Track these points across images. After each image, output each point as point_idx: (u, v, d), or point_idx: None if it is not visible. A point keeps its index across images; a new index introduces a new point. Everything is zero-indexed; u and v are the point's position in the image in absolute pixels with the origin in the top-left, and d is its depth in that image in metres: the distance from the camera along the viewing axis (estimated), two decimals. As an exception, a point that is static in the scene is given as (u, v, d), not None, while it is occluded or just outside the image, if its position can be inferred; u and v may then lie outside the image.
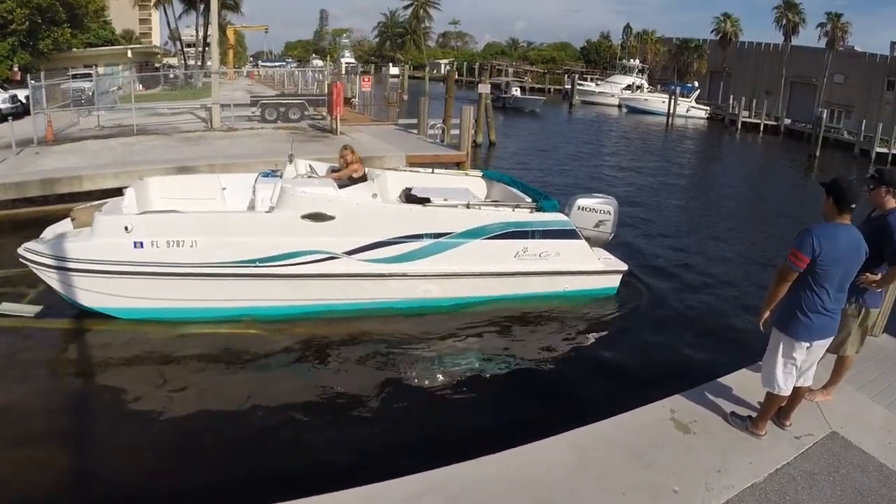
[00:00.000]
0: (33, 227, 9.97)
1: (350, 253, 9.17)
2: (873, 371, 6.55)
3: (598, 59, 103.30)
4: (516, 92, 60.21)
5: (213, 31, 27.71)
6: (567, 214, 10.29)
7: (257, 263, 8.85)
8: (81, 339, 8.75)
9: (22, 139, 18.16)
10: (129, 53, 51.18)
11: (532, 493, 4.51)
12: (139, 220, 8.64)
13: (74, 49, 43.54)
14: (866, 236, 4.84)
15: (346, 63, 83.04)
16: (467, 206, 9.77)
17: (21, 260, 8.65)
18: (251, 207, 10.21)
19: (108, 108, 25.15)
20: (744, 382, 6.14)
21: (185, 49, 65.91)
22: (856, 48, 63.11)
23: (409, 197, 10.38)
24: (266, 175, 10.54)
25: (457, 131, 22.83)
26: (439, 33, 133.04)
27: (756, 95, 61.46)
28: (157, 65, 57.03)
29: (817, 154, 38.86)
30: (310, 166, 10.89)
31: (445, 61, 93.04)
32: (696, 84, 71.15)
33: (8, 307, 8.99)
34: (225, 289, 8.92)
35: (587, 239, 10.35)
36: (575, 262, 10.24)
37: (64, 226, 9.29)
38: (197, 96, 30.28)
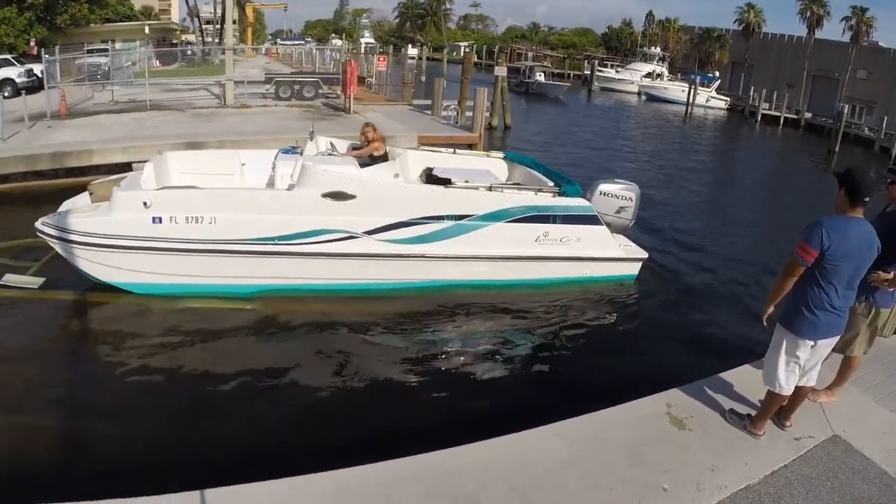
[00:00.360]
0: (43, 201, 9.90)
1: (370, 233, 9.10)
2: (881, 373, 6.34)
3: (619, 45, 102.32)
4: (540, 77, 59.08)
5: (228, 6, 27.47)
6: (588, 199, 10.18)
7: (276, 241, 8.79)
8: (85, 311, 8.71)
9: (35, 113, 18.19)
10: (147, 30, 50.92)
11: (513, 483, 4.38)
12: (158, 196, 8.59)
13: (92, 24, 43.41)
14: (879, 232, 4.60)
15: (365, 43, 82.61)
16: (489, 188, 9.70)
17: (38, 233, 8.60)
18: (270, 184, 10.16)
19: (123, 83, 25.14)
20: (745, 379, 5.95)
21: (204, 26, 65.68)
22: (880, 44, 61.93)
23: (429, 177, 10.27)
24: (286, 152, 10.48)
25: (471, 113, 22.58)
26: (460, 16, 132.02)
27: (777, 88, 60.52)
28: (174, 41, 56.81)
29: (837, 149, 38.21)
30: (330, 143, 10.81)
31: (465, 44, 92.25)
32: (717, 74, 70.23)
33: (12, 279, 8.90)
34: (242, 266, 8.87)
35: (607, 225, 10.28)
36: (595, 249, 10.17)
37: (81, 200, 9.22)
38: (214, 73, 30.16)
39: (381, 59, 36.62)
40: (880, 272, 5.12)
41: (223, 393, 6.93)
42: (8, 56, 27.27)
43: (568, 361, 8.34)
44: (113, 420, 6.32)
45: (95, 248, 8.44)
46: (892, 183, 5.31)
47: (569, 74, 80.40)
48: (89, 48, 29.77)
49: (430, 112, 25.14)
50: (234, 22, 62.20)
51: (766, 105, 56.87)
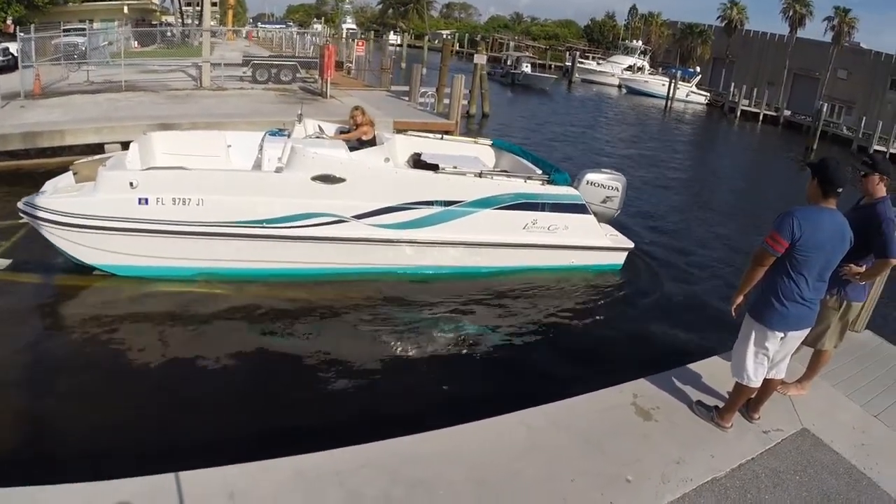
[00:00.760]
0: (14, 181, 9.47)
1: (359, 217, 8.99)
2: (852, 367, 6.28)
3: (602, 38, 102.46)
4: (527, 68, 58.14)
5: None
6: (575, 188, 10.17)
7: (264, 224, 8.65)
8: (53, 294, 8.46)
9: (8, 93, 17.77)
10: (126, 10, 50.06)
11: (472, 472, 4.24)
12: (144, 176, 8.35)
13: (70, 3, 42.62)
14: (853, 225, 4.49)
15: (346, 29, 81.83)
16: (479, 174, 9.64)
17: (20, 214, 8.32)
18: (257, 166, 10.04)
19: (99, 63, 24.64)
20: (714, 370, 5.85)
21: (184, 7, 64.68)
22: (861, 45, 62.47)
23: (417, 162, 10.19)
24: (273, 134, 10.41)
25: (449, 101, 22.41)
26: (443, 4, 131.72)
27: (758, 85, 60.90)
28: (154, 22, 55.91)
29: (815, 147, 38.52)
30: (318, 126, 10.65)
31: (447, 32, 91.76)
32: (698, 69, 70.46)
33: None
34: (230, 249, 8.68)
35: (594, 214, 10.30)
36: (583, 237, 10.20)
37: (65, 180, 8.94)
38: (192, 55, 29.69)
39: (360, 44, 36.20)
40: (852, 265, 5.06)
41: (187, 377, 6.74)
42: (-17, 35, 26.61)
43: (544, 349, 8.20)
44: (75, 404, 6.11)
45: (80, 229, 8.18)
46: (865, 176, 5.22)
47: (550, 65, 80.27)
48: (66, 27, 29.22)
49: (407, 98, 24.94)
50: (214, 4, 61.57)
51: (745, 101, 57.26)
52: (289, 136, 10.05)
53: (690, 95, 63.19)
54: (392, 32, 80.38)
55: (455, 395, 6.79)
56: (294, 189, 8.68)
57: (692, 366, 5.99)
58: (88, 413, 5.98)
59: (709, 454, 4.68)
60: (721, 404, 5.18)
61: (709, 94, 65.21)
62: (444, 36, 53.27)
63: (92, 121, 15.69)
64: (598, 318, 9.27)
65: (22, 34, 19.68)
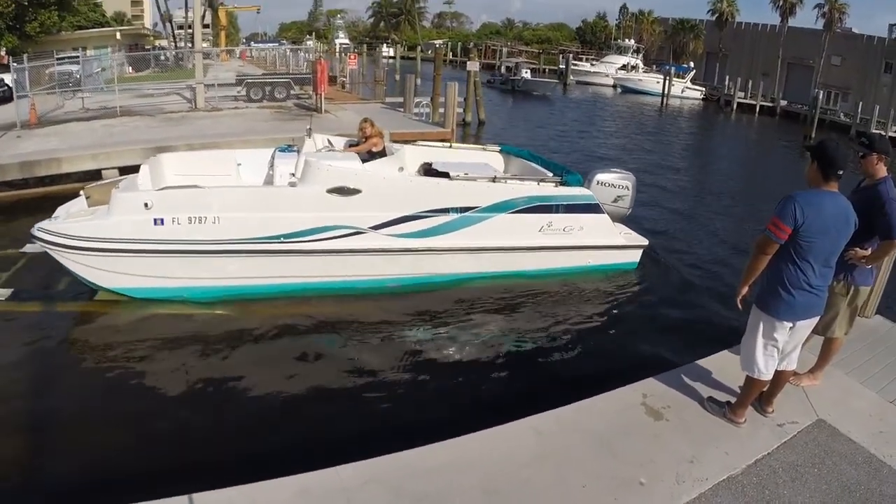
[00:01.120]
0: (13, 212, 9.38)
1: (376, 228, 8.96)
2: (864, 354, 6.17)
3: (594, 39, 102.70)
4: (526, 74, 56.89)
5: (196, 8, 27.08)
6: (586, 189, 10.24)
7: (282, 239, 8.57)
8: (55, 323, 8.31)
9: (4, 124, 17.87)
10: (118, 35, 50.41)
11: (481, 483, 4.13)
12: (159, 197, 8.31)
13: (63, 32, 42.83)
14: (856, 207, 4.39)
15: (339, 44, 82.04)
16: (493, 179, 9.66)
17: (34, 240, 8.24)
18: (268, 183, 10.03)
19: (94, 90, 24.66)
20: (724, 365, 5.73)
21: (177, 31, 64.95)
22: (853, 30, 62.41)
23: (428, 171, 10.09)
24: (283, 150, 10.41)
25: (444, 110, 22.38)
26: (434, 14, 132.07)
27: (752, 76, 60.81)
28: (147, 47, 56.14)
29: (813, 135, 38.35)
30: (328, 140, 10.66)
31: (439, 42, 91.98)
32: (692, 65, 70.48)
33: None
34: (249, 266, 8.64)
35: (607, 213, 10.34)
36: (598, 237, 10.20)
37: (77, 204, 8.90)
38: (186, 77, 29.77)
39: (352, 57, 36.28)
40: (857, 249, 4.95)
41: (194, 399, 6.64)
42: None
43: (557, 353, 8.10)
44: (83, 429, 6.03)
45: (95, 252, 8.12)
46: (864, 157, 5.11)
47: (544, 69, 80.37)
48: (59, 56, 29.32)
49: (402, 109, 24.94)
50: (207, 26, 61.86)
51: (741, 94, 57.17)
52: (298, 151, 10.06)
53: (686, 91, 63.26)
54: (385, 45, 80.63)
55: (466, 404, 6.69)
56: (310, 202, 8.62)
57: (701, 362, 5.88)
58: (97, 437, 5.91)
59: (723, 451, 4.57)
60: (733, 399, 5.07)
61: (704, 89, 65.26)
62: (437, 45, 53.10)
63: (88, 147, 15.69)
64: (610, 318, 9.18)
65: (15, 64, 19.75)
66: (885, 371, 5.90)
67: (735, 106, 56.07)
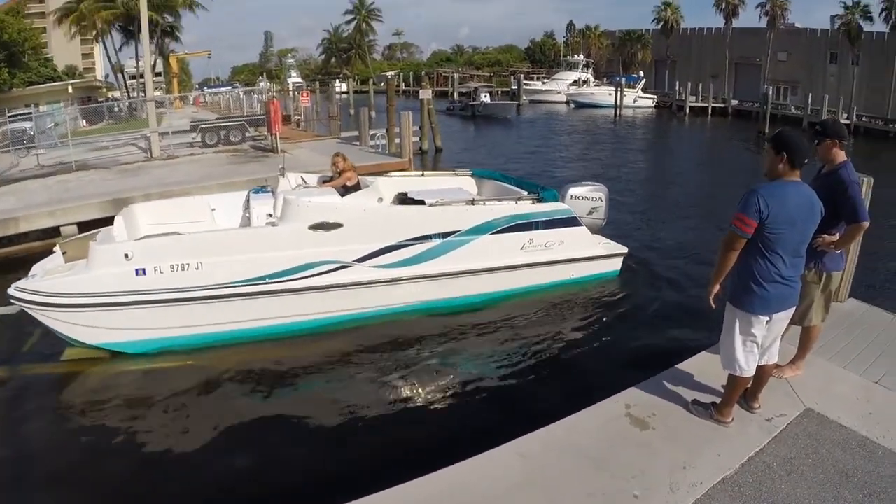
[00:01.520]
0: None
1: (360, 260, 8.90)
2: (843, 339, 6.17)
3: (544, 58, 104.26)
4: (486, 98, 55.94)
5: (146, 57, 26.86)
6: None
7: (267, 280, 8.44)
8: (26, 384, 8.00)
9: (-43, 186, 17.39)
10: (70, 89, 49.98)
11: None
12: (139, 247, 8.15)
13: (14, 89, 42.34)
14: (819, 194, 4.36)
15: (292, 83, 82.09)
16: (472, 202, 9.74)
17: (12, 301, 7.95)
18: (245, 225, 9.97)
19: (48, 146, 24.26)
20: (704, 367, 5.65)
21: (130, 81, 64.50)
22: (797, 25, 64.18)
23: (403, 201, 10.08)
24: (257, 191, 10.37)
25: (400, 140, 22.36)
26: (384, 46, 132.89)
27: (702, 80, 62.13)
28: (100, 99, 55.64)
29: (766, 131, 39.22)
30: (301, 178, 10.59)
31: (391, 73, 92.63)
32: (642, 74, 71.82)
33: None
34: (236, 310, 8.44)
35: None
36: (579, 249, 10.30)
37: (53, 261, 8.67)
38: (141, 127, 29.44)
39: (304, 94, 36.10)
40: (825, 235, 4.93)
41: (196, 447, 6.43)
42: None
43: (539, 371, 7.97)
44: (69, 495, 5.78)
45: (78, 308, 7.88)
46: (819, 143, 5.12)
47: (497, 91, 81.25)
48: (11, 113, 28.85)
49: (358, 143, 24.86)
50: (158, 74, 61.50)
51: (692, 98, 58.35)
52: (273, 191, 10.05)
53: (638, 100, 64.26)
54: (337, 80, 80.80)
55: (449, 433, 6.51)
56: (293, 240, 8.54)
57: (681, 366, 5.77)
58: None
59: (714, 453, 4.46)
60: (717, 400, 4.97)
61: (656, 97, 66.42)
62: (388, 77, 53.02)
63: (45, 204, 15.36)
64: (590, 330, 9.12)
65: (-38, 126, 19.40)
66: (865, 352, 5.88)
67: (687, 110, 57.24)
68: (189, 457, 6.29)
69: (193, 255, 8.11)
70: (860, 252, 7.02)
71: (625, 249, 10.88)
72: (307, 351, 8.47)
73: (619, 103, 56.36)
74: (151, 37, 33.67)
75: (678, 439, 4.64)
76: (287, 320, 8.74)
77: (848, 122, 39.65)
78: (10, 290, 7.94)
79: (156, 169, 20.71)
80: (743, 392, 4.87)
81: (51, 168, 21.32)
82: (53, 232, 14.26)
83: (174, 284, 8.06)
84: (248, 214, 9.96)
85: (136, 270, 7.91)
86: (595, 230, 10.75)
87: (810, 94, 45.07)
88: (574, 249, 10.20)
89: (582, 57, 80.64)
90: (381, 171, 15.78)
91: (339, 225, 8.67)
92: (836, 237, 4.98)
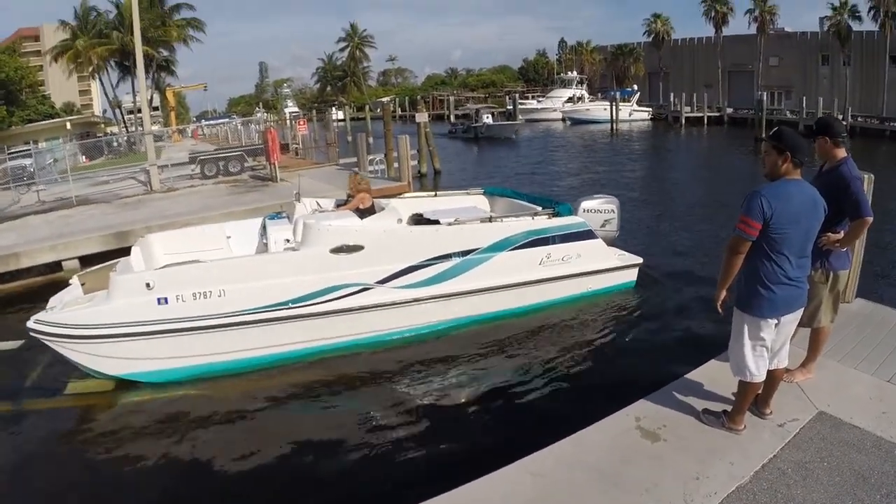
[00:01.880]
0: None
1: (383, 281, 8.91)
2: (853, 339, 6.08)
3: (537, 76, 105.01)
4: (488, 119, 54.97)
5: (142, 91, 26.94)
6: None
7: (290, 305, 8.43)
8: (27, 419, 7.94)
9: (-42, 224, 17.48)
10: (69, 126, 50.30)
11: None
12: (161, 276, 8.11)
13: (13, 127, 42.69)
14: (821, 192, 4.31)
15: (289, 112, 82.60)
16: (490, 219, 9.83)
17: (31, 333, 7.90)
18: (261, 251, 9.99)
19: (49, 182, 24.40)
20: (713, 375, 5.57)
21: (128, 116, 65.03)
22: (786, 29, 64.58)
23: (419, 221, 10.15)
24: (272, 218, 10.44)
25: (398, 163, 22.39)
26: (379, 72, 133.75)
27: (696, 90, 62.53)
28: (99, 134, 56.04)
29: (762, 137, 39.06)
30: (317, 203, 10.68)
31: (387, 98, 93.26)
32: (636, 87, 72.08)
33: None
34: (260, 336, 8.42)
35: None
36: (595, 262, 10.35)
37: (71, 293, 8.67)
38: (140, 160, 29.59)
39: (301, 122, 36.23)
40: (829, 234, 4.88)
41: (213, 475, 6.36)
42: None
43: (552, 386, 7.89)
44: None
45: (100, 339, 7.84)
46: (815, 141, 5.09)
47: (493, 112, 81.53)
48: (11, 151, 29.00)
49: (357, 169, 24.84)
50: (156, 108, 61.95)
51: (687, 108, 58.52)
52: (288, 217, 10.15)
53: (633, 114, 64.51)
54: (333, 108, 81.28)
55: (462, 453, 6.39)
56: (315, 264, 8.55)
57: (690, 375, 5.69)
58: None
59: (727, 462, 4.37)
60: (729, 408, 4.88)
61: (651, 109, 66.65)
62: (384, 102, 53.08)
63: (46, 239, 15.43)
64: (602, 344, 9.08)
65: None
66: (876, 352, 5.80)
67: (683, 121, 57.36)
68: (209, 484, 6.25)
69: (216, 283, 8.11)
70: (865, 251, 6.95)
71: (640, 260, 10.92)
72: (327, 374, 8.42)
73: (615, 118, 56.48)
74: (147, 71, 34.06)
75: (690, 450, 4.55)
76: (310, 344, 8.71)
77: (843, 122, 39.69)
78: (29, 323, 7.91)
79: (156, 202, 20.75)
80: (754, 399, 4.79)
81: (52, 204, 21.44)
82: (55, 266, 14.34)
83: (197, 312, 8.05)
84: (264, 241, 9.94)
85: (159, 299, 7.89)
86: (609, 242, 10.78)
87: (804, 98, 45.15)
88: (591, 262, 10.25)
89: (575, 73, 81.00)
90: (381, 196, 15.83)
91: (360, 247, 8.70)
92: (841, 235, 4.93)
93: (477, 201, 11.87)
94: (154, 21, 51.41)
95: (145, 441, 7.08)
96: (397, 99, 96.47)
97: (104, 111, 74.37)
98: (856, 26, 55.95)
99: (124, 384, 8.25)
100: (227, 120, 70.49)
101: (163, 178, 23.80)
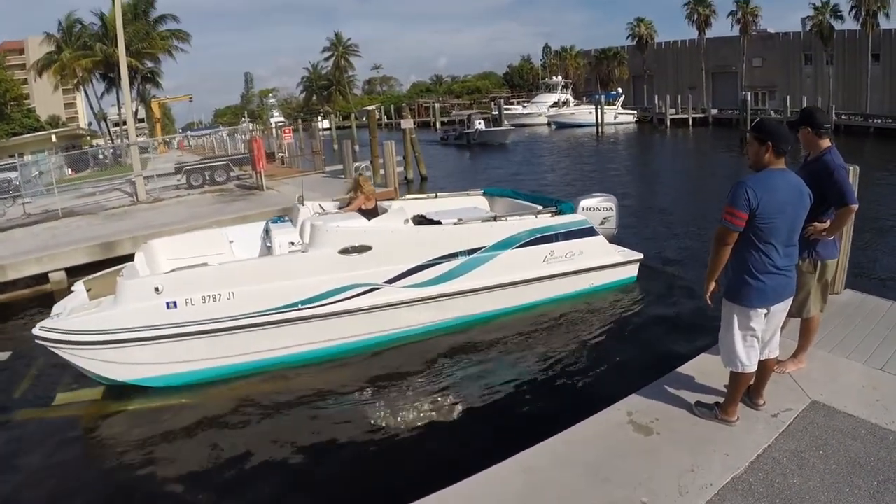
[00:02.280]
0: None
1: (391, 281, 8.99)
2: (843, 329, 6.09)
3: (522, 82, 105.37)
4: (480, 125, 53.90)
5: (127, 102, 26.94)
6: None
7: (299, 306, 8.45)
8: (18, 429, 7.79)
9: (-58, 237, 17.28)
10: (54, 138, 49.96)
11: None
12: (169, 279, 8.13)
13: (-2, 140, 42.57)
14: (807, 182, 4.32)
15: (275, 122, 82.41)
16: (494, 218, 9.94)
17: (38, 341, 7.79)
18: (265, 255, 10.04)
19: (34, 194, 24.21)
20: (705, 368, 5.54)
21: (113, 129, 64.70)
22: (769, 30, 65.09)
23: (422, 222, 10.21)
24: (276, 221, 10.54)
25: (384, 170, 22.41)
26: (364, 80, 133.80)
27: (680, 92, 62.89)
28: (84, 147, 55.72)
29: (748, 137, 39.47)
30: (319, 206, 10.68)
31: (372, 107, 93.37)
32: (620, 90, 72.51)
33: None
34: (269, 337, 8.42)
35: None
36: (597, 258, 10.53)
37: (76, 299, 8.60)
38: (126, 172, 29.42)
39: (286, 131, 36.25)
40: (815, 223, 4.88)
41: (213, 478, 6.31)
42: None
43: (558, 381, 7.94)
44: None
45: (109, 345, 7.77)
46: (798, 131, 5.09)
47: (485, 118, 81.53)
48: (-4, 165, 28.79)
49: (343, 176, 24.82)
50: (141, 120, 61.69)
51: (672, 110, 58.81)
52: (291, 220, 10.24)
53: (619, 117, 64.87)
54: (319, 117, 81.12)
55: (454, 452, 6.38)
56: (323, 265, 8.59)
57: (681, 369, 5.67)
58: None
59: (722, 454, 4.33)
60: (721, 400, 4.85)
61: (636, 112, 66.93)
62: (369, 110, 52.87)
63: (32, 252, 15.24)
64: (600, 340, 9.17)
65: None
66: (867, 341, 5.81)
67: (668, 123, 57.61)
68: (202, 488, 6.17)
69: (224, 286, 8.10)
70: (852, 244, 6.97)
71: (640, 255, 11.10)
72: (332, 376, 8.44)
73: (600, 121, 56.69)
74: (132, 83, 33.93)
75: (683, 443, 4.52)
76: (319, 345, 8.73)
77: (831, 126, 40.09)
78: (35, 331, 7.84)
79: (142, 212, 20.60)
80: (746, 390, 4.77)
81: (38, 216, 21.25)
82: (41, 279, 14.21)
83: (206, 316, 8.03)
84: (268, 244, 9.97)
85: (167, 304, 7.87)
86: (608, 239, 10.95)
87: (788, 97, 45.55)
88: (593, 258, 10.41)
89: (560, 78, 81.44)
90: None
91: (368, 248, 8.76)
92: (828, 224, 4.92)
93: (477, 202, 12.08)
94: (139, 33, 51.15)
95: (136, 449, 6.97)
96: (383, 107, 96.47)
97: (90, 123, 74.05)
98: (838, 25, 56.61)
99: (112, 394, 8.15)
100: (212, 131, 70.37)
101: (149, 189, 23.59)
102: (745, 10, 62.01)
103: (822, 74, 57.16)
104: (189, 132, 80.00)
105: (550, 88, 78.97)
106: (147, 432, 7.32)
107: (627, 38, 76.99)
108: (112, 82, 56.20)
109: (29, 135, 48.33)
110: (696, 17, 67.08)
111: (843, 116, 45.67)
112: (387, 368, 8.51)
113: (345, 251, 8.64)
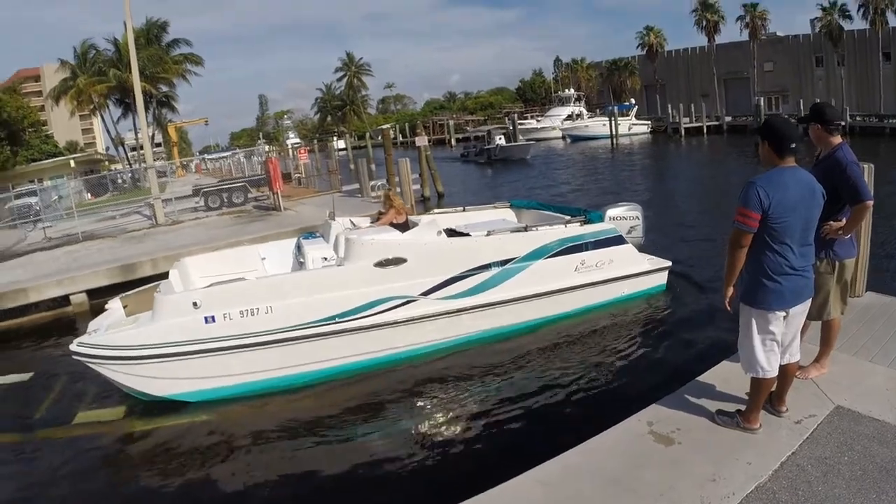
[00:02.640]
0: None
1: (426, 293, 9.05)
2: (865, 333, 5.97)
3: (535, 96, 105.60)
4: (501, 141, 52.82)
5: (142, 126, 27.13)
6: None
7: (337, 319, 8.51)
8: (38, 448, 7.84)
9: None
10: (73, 164, 50.79)
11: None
12: (207, 294, 8.19)
13: (17, 167, 43.10)
14: (819, 180, 4.25)
15: (291, 143, 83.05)
16: (525, 228, 10.02)
17: (75, 356, 7.93)
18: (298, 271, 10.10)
19: (55, 219, 24.64)
20: (725, 376, 5.46)
21: (131, 153, 65.50)
22: (778, 34, 64.77)
23: (451, 235, 10.21)
24: (307, 237, 10.74)
25: (400, 187, 22.48)
26: (378, 99, 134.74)
27: (693, 100, 62.77)
28: (103, 171, 56.46)
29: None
30: (350, 221, 10.83)
31: (387, 125, 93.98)
32: (633, 101, 72.34)
33: None
34: (307, 351, 8.47)
35: None
36: (628, 266, 10.56)
37: (111, 316, 8.82)
38: (145, 195, 29.78)
39: (302, 151, 36.48)
40: (831, 222, 4.81)
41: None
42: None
43: (584, 392, 7.91)
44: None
45: (146, 360, 7.87)
46: (807, 127, 5.03)
47: (505, 133, 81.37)
48: (17, 190, 29.22)
49: (360, 195, 24.93)
50: (158, 144, 62.33)
51: (686, 119, 58.54)
52: (323, 236, 10.42)
53: (633, 128, 64.74)
54: (334, 137, 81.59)
55: (473, 464, 6.37)
56: (360, 278, 8.66)
57: (702, 378, 5.58)
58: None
59: (745, 462, 4.25)
60: (743, 407, 4.76)
61: (650, 122, 66.76)
62: (383, 129, 52.89)
63: (53, 274, 15.46)
64: (626, 349, 9.12)
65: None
66: (891, 344, 5.69)
67: (683, 132, 57.32)
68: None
69: (262, 300, 8.17)
70: (871, 246, 6.88)
71: (668, 263, 11.11)
72: (362, 389, 8.46)
73: (614, 133, 56.53)
74: (147, 107, 34.40)
75: (705, 452, 4.44)
76: (355, 358, 8.76)
77: (843, 123, 39.72)
78: (73, 346, 7.99)
79: (161, 235, 20.81)
80: (769, 396, 4.69)
81: (58, 240, 21.63)
82: (63, 301, 14.41)
83: (245, 330, 8.09)
84: (301, 260, 10.07)
85: (206, 318, 7.94)
86: (636, 247, 10.94)
87: (801, 101, 45.29)
88: (624, 267, 10.43)
89: (573, 91, 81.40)
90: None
91: (403, 260, 8.82)
92: (843, 223, 4.85)
93: (504, 214, 12.21)
94: (152, 57, 51.84)
95: (158, 468, 7.01)
96: (397, 125, 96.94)
97: (107, 148, 75.00)
98: (847, 25, 56.25)
99: (133, 413, 8.23)
100: (229, 153, 71.01)
101: (167, 212, 23.92)
102: (754, 14, 61.74)
103: (833, 76, 56.82)
104: (206, 155, 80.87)
105: (563, 101, 78.94)
106: (169, 451, 7.33)
107: (637, 47, 76.98)
108: (128, 107, 56.92)
109: (48, 160, 49.15)
110: (704, 23, 66.92)
111: (857, 118, 45.23)
112: (415, 381, 8.50)
113: (380, 264, 8.70)
